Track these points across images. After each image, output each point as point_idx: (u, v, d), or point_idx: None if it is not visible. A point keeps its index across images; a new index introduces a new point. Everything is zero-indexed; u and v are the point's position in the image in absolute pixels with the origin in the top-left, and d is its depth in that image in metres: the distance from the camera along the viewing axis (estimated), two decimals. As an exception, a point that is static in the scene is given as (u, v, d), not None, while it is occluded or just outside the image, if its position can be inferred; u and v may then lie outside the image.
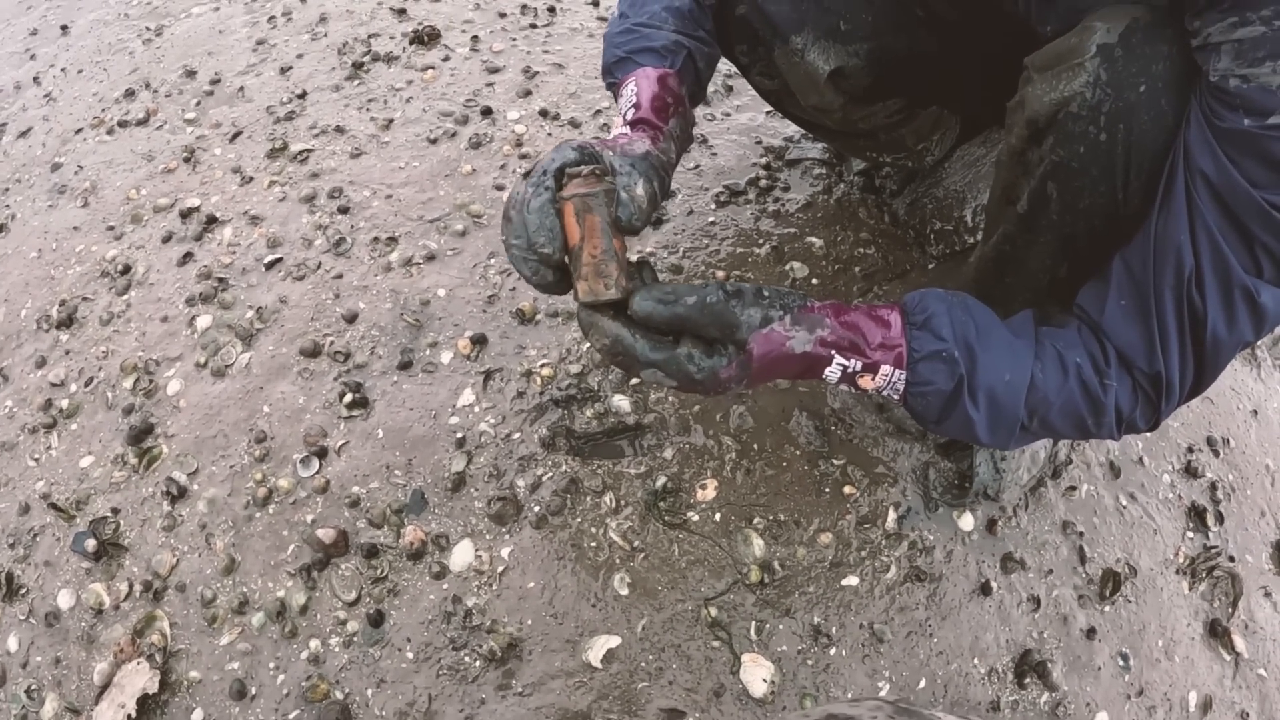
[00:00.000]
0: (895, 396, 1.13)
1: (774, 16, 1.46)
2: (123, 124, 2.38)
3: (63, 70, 2.71)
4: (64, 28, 2.94)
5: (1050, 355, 1.11)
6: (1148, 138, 1.04)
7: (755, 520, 1.48)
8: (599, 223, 1.03)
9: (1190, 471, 1.65)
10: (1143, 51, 1.03)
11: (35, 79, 2.71)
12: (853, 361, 1.09)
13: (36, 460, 1.70)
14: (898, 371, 1.10)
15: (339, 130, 2.21)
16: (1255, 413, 1.77)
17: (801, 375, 1.14)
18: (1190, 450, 1.67)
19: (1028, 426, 1.13)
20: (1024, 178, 1.16)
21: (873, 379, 1.11)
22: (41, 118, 2.52)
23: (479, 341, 1.69)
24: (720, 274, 1.79)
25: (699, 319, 1.04)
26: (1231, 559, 1.55)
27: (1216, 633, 1.47)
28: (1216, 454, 1.68)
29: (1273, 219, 0.93)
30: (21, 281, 2.02)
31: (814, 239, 1.87)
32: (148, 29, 2.79)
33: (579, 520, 1.49)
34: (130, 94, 2.49)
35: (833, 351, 1.09)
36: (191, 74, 2.52)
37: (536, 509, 1.49)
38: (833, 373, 1.10)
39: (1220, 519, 1.60)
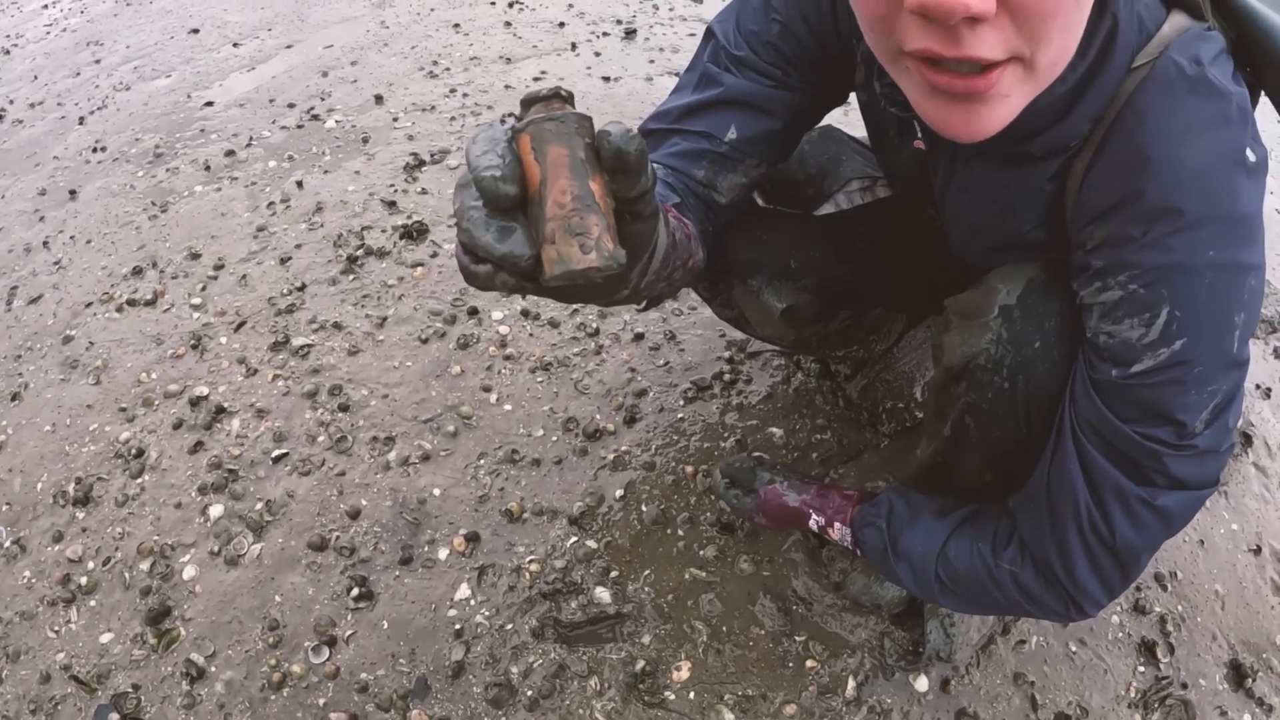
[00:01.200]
0: (850, 547, 1.47)
1: (733, 261, 1.57)
2: (131, 303, 2.45)
3: (71, 238, 2.78)
4: (72, 192, 3.02)
5: (965, 538, 1.28)
6: (1044, 385, 1.16)
7: (726, 696, 1.58)
8: (565, 157, 0.70)
9: (1139, 609, 1.72)
10: (1037, 311, 1.16)
11: (45, 243, 2.78)
12: (819, 518, 1.50)
13: (56, 632, 1.75)
14: (846, 529, 1.45)
15: (337, 326, 2.30)
16: (1202, 543, 1.85)
17: (797, 522, 1.55)
18: (1138, 589, 1.75)
19: (948, 587, 1.29)
20: (947, 407, 1.29)
21: (834, 532, 1.48)
22: (51, 286, 2.58)
23: (472, 539, 1.78)
24: (689, 469, 1.90)
25: (739, 475, 1.64)
26: (1184, 685, 1.61)
27: (1171, 757, 1.54)
28: (1165, 588, 1.76)
29: (1148, 448, 1.03)
30: (36, 454, 2.07)
31: (775, 429, 2.00)
32: (153, 204, 2.87)
33: (567, 702, 1.58)
34: (138, 271, 2.57)
35: (810, 510, 1.51)
36: (196, 256, 2.60)
37: (529, 693, 1.58)
38: (813, 524, 1.51)
39: (1171, 650, 1.67)
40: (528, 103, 0.73)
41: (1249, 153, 0.99)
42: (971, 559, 1.25)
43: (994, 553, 1.23)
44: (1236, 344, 1.01)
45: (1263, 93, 1.13)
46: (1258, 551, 1.88)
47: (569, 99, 0.73)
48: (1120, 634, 1.69)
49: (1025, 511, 1.20)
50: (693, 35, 3.98)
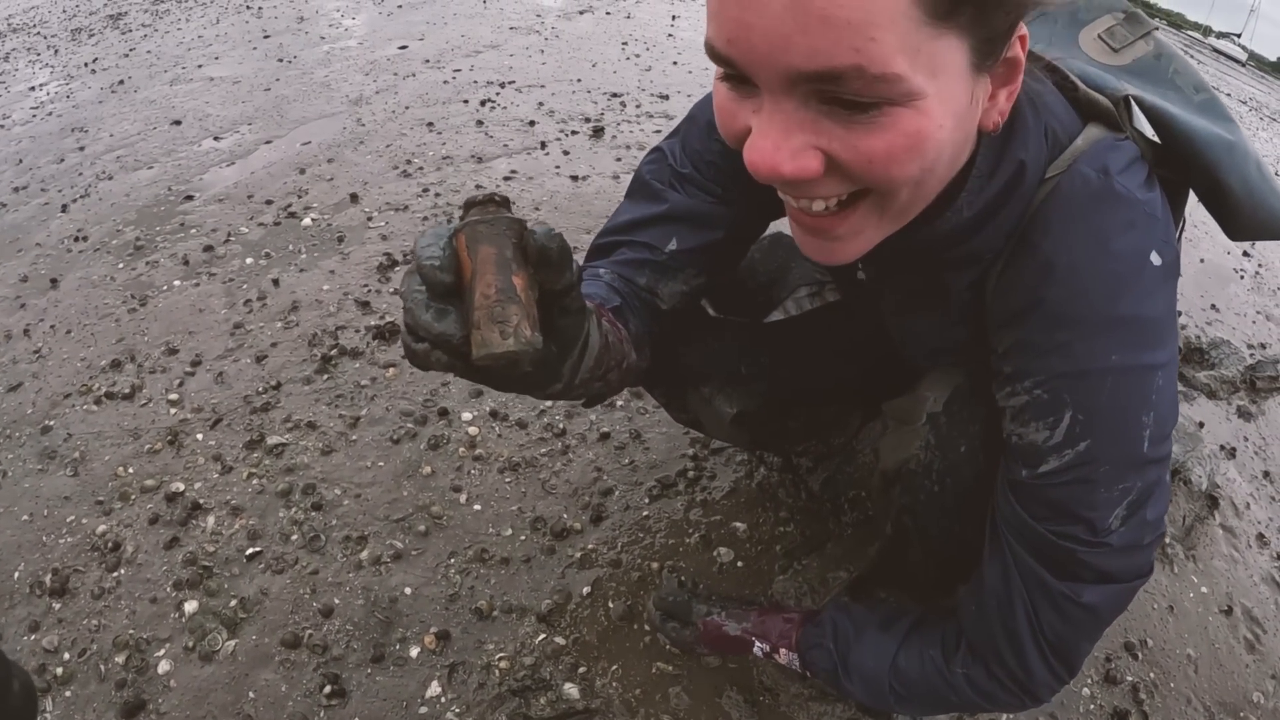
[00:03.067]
0: (799, 670, 1.46)
1: (686, 369, 1.61)
2: (110, 396, 2.44)
3: (52, 327, 2.78)
4: (53, 281, 3.03)
5: (915, 647, 1.28)
6: (971, 487, 1.20)
7: (695, 789, 1.59)
8: (493, 255, 0.77)
9: (1110, 679, 1.75)
10: (962, 417, 1.21)
11: (26, 331, 2.78)
12: (763, 644, 1.50)
13: (30, 724, 1.73)
14: (792, 654, 1.45)
15: (310, 426, 2.30)
16: (1171, 608, 1.88)
17: (741, 650, 1.55)
18: (1108, 660, 1.78)
19: (904, 697, 1.30)
20: (888, 508, 1.36)
21: (780, 657, 1.48)
22: (31, 375, 2.57)
23: (443, 637, 1.78)
24: (655, 565, 1.92)
25: (675, 609, 1.63)
26: (1157, 755, 1.63)
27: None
28: (1136, 657, 1.79)
29: (1063, 547, 1.04)
30: (14, 543, 2.05)
31: (738, 523, 2.02)
32: (132, 297, 2.89)
33: (539, 799, 1.59)
34: (117, 365, 2.57)
35: (752, 638, 1.52)
36: (174, 352, 2.60)
37: (499, 790, 1.59)
38: (758, 651, 1.51)
39: (1145, 717, 1.69)
40: (468, 205, 0.81)
41: (1154, 256, 1.01)
42: (924, 667, 1.26)
43: (945, 658, 1.24)
44: (1147, 443, 1.02)
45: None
46: (1229, 612, 1.93)
47: (504, 203, 0.81)
48: (1091, 706, 1.72)
49: (970, 612, 1.20)
50: (658, 132, 4.09)
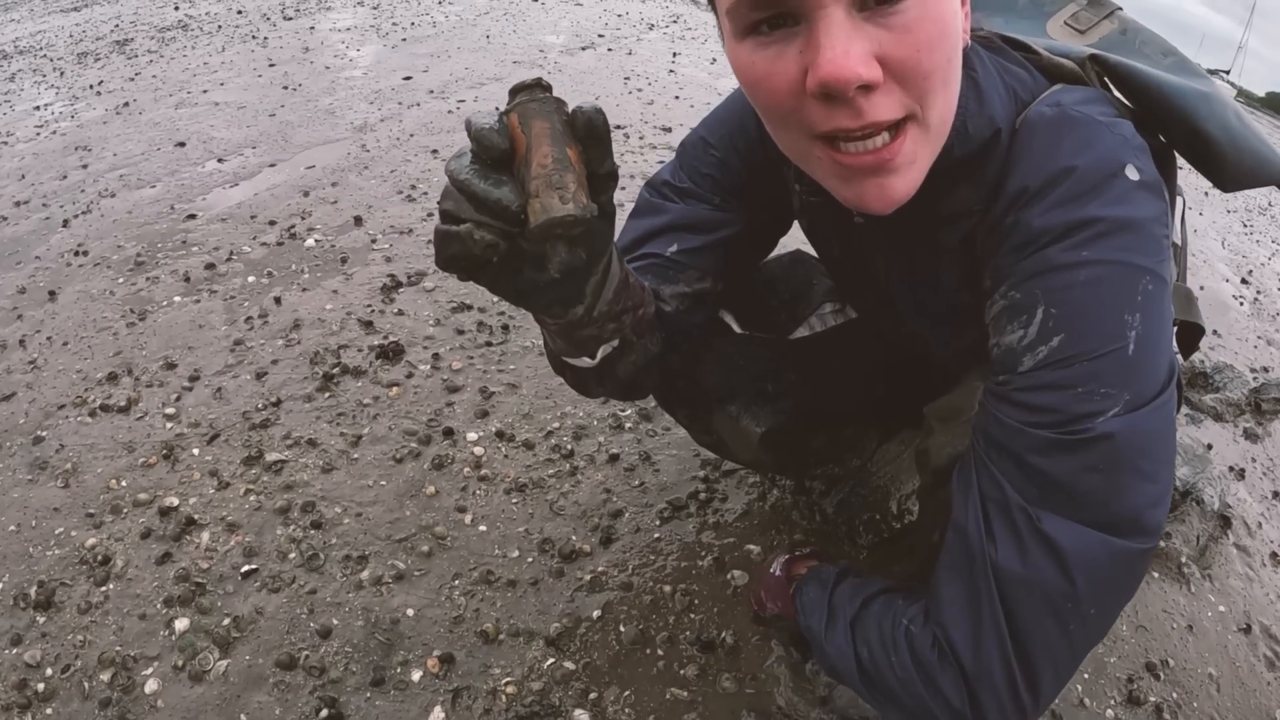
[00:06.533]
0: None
1: (710, 389, 1.57)
2: (105, 408, 2.37)
3: (48, 339, 2.71)
4: (51, 294, 2.96)
5: (894, 596, 1.17)
6: None
7: (713, 820, 1.51)
8: (547, 128, 0.82)
9: (1133, 700, 1.70)
10: None
11: (21, 342, 2.71)
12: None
13: (9, 741, 1.63)
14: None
15: (311, 443, 2.23)
16: (1190, 627, 1.85)
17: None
18: (1130, 680, 1.73)
19: (860, 661, 1.15)
20: (938, 512, 1.25)
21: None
22: (25, 385, 2.50)
23: (447, 660, 1.69)
24: (667, 588, 1.85)
25: None
26: (1184, 775, 1.58)
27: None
28: (1158, 677, 1.74)
29: (1028, 434, 0.95)
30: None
31: (752, 546, 1.96)
32: (131, 311, 2.82)
33: (544, 832, 1.50)
34: (113, 378, 2.50)
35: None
36: (172, 366, 2.54)
37: (505, 823, 1.51)
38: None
39: None
40: (514, 91, 0.84)
41: (1130, 170, 0.98)
42: (880, 618, 1.14)
43: (902, 609, 1.12)
44: (1133, 346, 0.94)
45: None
46: (1248, 630, 1.90)
47: (549, 88, 0.84)
48: (1115, 727, 1.69)
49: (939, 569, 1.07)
50: (662, 162, 4.04)
